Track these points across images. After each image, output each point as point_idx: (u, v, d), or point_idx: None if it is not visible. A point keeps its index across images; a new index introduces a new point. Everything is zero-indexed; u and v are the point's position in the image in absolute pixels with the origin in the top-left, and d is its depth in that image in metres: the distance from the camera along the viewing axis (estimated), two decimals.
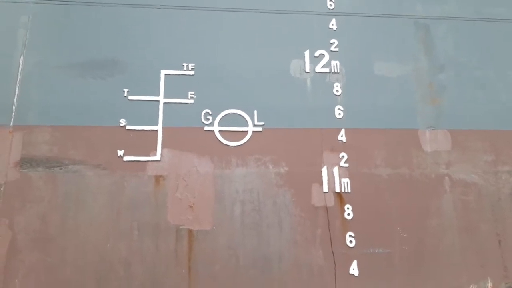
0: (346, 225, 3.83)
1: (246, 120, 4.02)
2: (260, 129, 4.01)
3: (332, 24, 4.43)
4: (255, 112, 4.04)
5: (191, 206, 3.72)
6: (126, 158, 3.77)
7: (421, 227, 3.91)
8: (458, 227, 3.95)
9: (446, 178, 4.09)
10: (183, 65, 4.09)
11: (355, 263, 3.73)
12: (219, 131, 3.96)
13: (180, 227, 3.65)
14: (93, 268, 3.47)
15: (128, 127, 3.86)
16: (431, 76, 4.40)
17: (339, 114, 4.17)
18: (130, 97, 3.94)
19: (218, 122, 3.98)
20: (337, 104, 4.20)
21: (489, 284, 3.84)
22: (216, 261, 3.60)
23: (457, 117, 4.29)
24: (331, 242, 3.77)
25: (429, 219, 3.94)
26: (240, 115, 4.03)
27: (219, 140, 3.93)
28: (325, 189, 3.92)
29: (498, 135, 4.26)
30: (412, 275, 3.76)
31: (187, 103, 3.99)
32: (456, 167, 4.13)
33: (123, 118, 3.87)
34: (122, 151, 3.77)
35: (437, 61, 4.46)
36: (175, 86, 4.01)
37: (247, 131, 3.99)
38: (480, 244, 3.93)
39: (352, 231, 3.82)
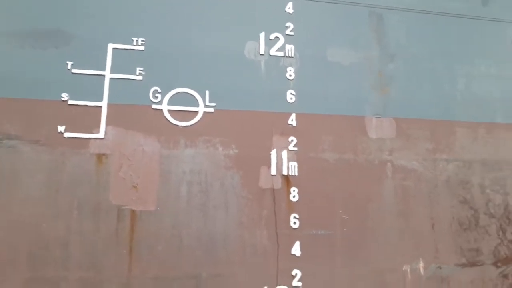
0: (291, 207, 3.92)
1: (197, 100, 3.94)
2: (211, 110, 3.96)
3: (289, 8, 4.39)
4: (207, 92, 3.97)
5: (135, 186, 3.64)
6: (67, 135, 3.60)
7: (362, 210, 4.06)
8: (397, 211, 4.14)
9: (389, 164, 4.25)
10: (133, 40, 3.93)
11: (297, 243, 3.83)
12: (168, 110, 3.86)
13: (123, 207, 3.57)
14: (27, 247, 3.34)
15: (70, 102, 3.67)
16: (381, 65, 4.51)
17: (291, 98, 4.19)
18: (74, 71, 3.74)
19: (168, 101, 3.88)
20: (289, 89, 4.21)
21: (421, 265, 4.07)
22: (159, 242, 3.57)
23: (403, 106, 4.44)
24: (275, 224, 3.83)
25: (370, 203, 4.10)
26: (191, 94, 3.94)
27: (167, 120, 3.84)
28: (273, 171, 3.97)
29: (438, 125, 4.47)
30: (352, 256, 3.93)
31: (135, 79, 3.85)
32: (399, 154, 4.31)
33: (65, 92, 3.67)
34: (63, 127, 3.60)
35: (388, 51, 4.56)
36: (123, 61, 3.85)
37: (197, 112, 3.92)
38: (415, 228, 4.15)
39: (296, 213, 3.90)
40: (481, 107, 4.67)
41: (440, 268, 4.10)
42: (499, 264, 4.25)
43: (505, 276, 4.23)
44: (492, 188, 4.45)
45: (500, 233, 4.34)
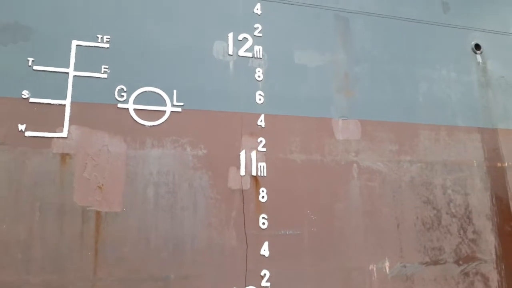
0: (260, 207, 3.92)
1: (164, 100, 3.90)
2: (179, 109, 3.93)
3: (257, 9, 4.44)
4: (175, 91, 3.94)
5: (100, 187, 3.55)
6: (28, 134, 3.47)
7: (329, 210, 4.12)
8: (363, 211, 4.22)
9: (355, 165, 4.34)
10: (97, 37, 3.85)
11: (266, 244, 3.84)
12: (134, 109, 3.80)
13: (87, 209, 3.47)
14: None
15: (31, 99, 3.55)
16: (347, 68, 4.61)
17: (260, 99, 4.22)
18: (35, 67, 3.62)
19: (134, 100, 3.81)
20: (258, 90, 4.24)
21: (387, 264, 4.16)
22: (126, 244, 3.49)
23: (368, 109, 4.55)
24: (244, 224, 3.83)
25: (337, 203, 4.17)
26: (158, 93, 3.90)
27: (133, 119, 3.78)
28: (242, 172, 3.97)
29: (402, 127, 4.61)
30: (320, 255, 3.97)
31: (100, 77, 3.77)
32: (364, 155, 4.40)
33: (26, 89, 3.55)
34: (24, 125, 3.47)
35: (354, 54, 4.68)
36: (88, 58, 3.76)
37: (165, 111, 3.88)
38: (381, 227, 4.24)
39: (265, 213, 3.91)
40: (442, 110, 4.85)
41: (405, 266, 4.20)
42: (460, 262, 4.40)
43: (466, 274, 4.38)
44: (453, 188, 4.61)
45: (461, 232, 4.50)
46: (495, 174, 4.79)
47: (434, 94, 4.86)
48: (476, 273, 4.42)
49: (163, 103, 3.89)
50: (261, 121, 4.16)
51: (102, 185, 3.56)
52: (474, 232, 4.53)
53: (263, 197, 3.96)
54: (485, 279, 4.43)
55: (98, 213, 3.49)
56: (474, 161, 4.77)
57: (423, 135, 4.68)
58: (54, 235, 3.35)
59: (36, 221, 3.34)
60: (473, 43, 5.22)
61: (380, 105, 4.61)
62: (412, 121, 4.69)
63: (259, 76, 4.26)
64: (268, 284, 3.74)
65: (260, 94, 4.22)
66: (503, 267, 4.49)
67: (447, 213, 4.50)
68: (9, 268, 3.20)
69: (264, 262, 3.79)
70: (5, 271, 3.19)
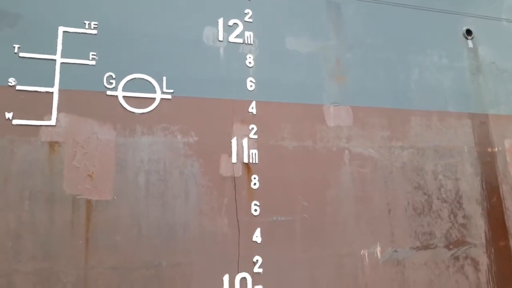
0: (252, 194, 3.92)
1: (154, 87, 3.86)
2: (169, 96, 3.89)
3: None
4: (164, 78, 3.90)
5: (90, 175, 3.52)
6: (15, 122, 3.42)
7: (321, 196, 4.13)
8: (354, 197, 4.24)
9: (346, 151, 4.35)
10: (85, 23, 3.78)
11: (258, 230, 3.85)
12: (124, 96, 3.75)
13: (78, 197, 3.45)
14: None
15: (18, 87, 3.49)
16: (338, 54, 4.59)
17: (251, 86, 4.19)
18: (22, 54, 3.55)
19: (123, 87, 3.76)
20: (249, 76, 4.20)
21: (378, 249, 4.20)
22: (117, 232, 3.48)
23: (360, 95, 4.54)
24: (236, 211, 3.83)
25: (329, 189, 4.18)
26: (147, 80, 3.85)
27: (123, 106, 3.73)
28: (234, 159, 3.96)
29: (394, 113, 4.61)
30: (311, 241, 3.99)
31: (88, 64, 3.71)
32: (356, 142, 4.41)
33: (12, 77, 3.48)
34: (11, 113, 3.42)
35: (345, 40, 4.65)
36: (75, 45, 3.69)
37: (154, 98, 3.84)
38: (372, 213, 4.27)
39: (257, 200, 3.92)
40: (434, 96, 4.86)
41: (396, 251, 4.24)
42: (451, 247, 4.45)
43: (456, 258, 4.44)
44: (444, 174, 4.64)
45: (452, 217, 4.55)
46: (486, 159, 4.83)
47: (425, 80, 4.87)
48: (466, 257, 4.47)
49: (153, 90, 3.85)
50: (252, 108, 4.14)
51: (92, 173, 3.53)
52: (464, 217, 4.58)
53: (255, 184, 3.96)
54: (475, 263, 4.49)
55: (88, 201, 3.46)
56: (465, 147, 4.80)
57: (415, 121, 4.70)
58: (44, 223, 3.33)
59: (26, 210, 3.31)
60: (464, 28, 5.21)
61: (372, 92, 4.61)
62: (404, 107, 4.70)
63: (250, 63, 4.23)
64: (260, 270, 3.76)
65: (251, 81, 4.19)
66: (493, 251, 4.55)
67: (438, 198, 4.54)
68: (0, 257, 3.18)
69: (256, 248, 3.81)
70: None
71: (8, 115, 3.41)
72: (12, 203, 3.30)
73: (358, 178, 4.31)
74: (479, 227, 4.59)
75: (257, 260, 3.77)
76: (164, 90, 3.87)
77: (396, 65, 4.80)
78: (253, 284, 3.71)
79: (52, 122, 3.51)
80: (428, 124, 4.74)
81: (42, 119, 3.49)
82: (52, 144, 3.48)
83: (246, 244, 3.79)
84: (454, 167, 4.70)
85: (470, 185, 4.69)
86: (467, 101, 4.97)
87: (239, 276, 3.68)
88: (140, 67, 3.83)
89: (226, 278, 3.65)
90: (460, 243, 4.48)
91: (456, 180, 4.67)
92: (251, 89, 4.17)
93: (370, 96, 4.57)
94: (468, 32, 5.22)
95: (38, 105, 3.49)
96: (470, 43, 5.18)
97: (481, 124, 4.92)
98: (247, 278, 3.71)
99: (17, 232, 3.26)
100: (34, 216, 3.32)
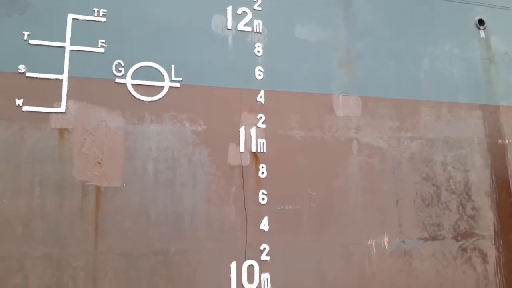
0: (260, 183, 3.93)
1: (163, 75, 3.86)
2: (177, 85, 3.89)
3: None
4: (173, 66, 3.90)
5: (99, 162, 3.54)
6: (25, 108, 3.45)
7: (328, 186, 4.13)
8: (362, 187, 4.23)
9: (355, 141, 4.33)
10: (94, 11, 3.79)
11: (266, 219, 3.86)
12: (132, 84, 3.76)
13: (87, 183, 3.48)
14: None
15: (28, 74, 3.51)
16: (348, 44, 4.55)
17: (259, 75, 4.17)
18: (31, 41, 3.57)
19: (132, 75, 3.77)
20: (257, 65, 4.19)
21: (385, 239, 4.19)
22: (126, 218, 3.52)
23: (369, 85, 4.51)
24: (244, 200, 3.84)
25: (337, 179, 4.17)
26: (156, 68, 3.86)
27: (132, 94, 3.75)
28: (242, 148, 3.96)
29: (403, 104, 4.57)
30: (319, 231, 4.00)
31: (97, 52, 3.72)
32: (364, 132, 4.38)
33: (22, 64, 3.51)
34: (21, 100, 3.45)
35: (355, 29, 4.60)
36: (84, 32, 3.70)
37: (163, 87, 3.84)
38: (380, 203, 4.25)
39: (265, 189, 3.92)
40: (444, 86, 4.80)
41: (404, 242, 4.23)
42: (459, 238, 4.42)
43: (464, 250, 4.41)
44: (453, 165, 4.60)
45: (460, 208, 4.52)
46: (496, 151, 4.77)
47: (436, 70, 4.81)
48: (474, 249, 4.45)
49: (161, 78, 3.85)
50: (260, 97, 4.12)
51: (101, 160, 3.55)
52: (473, 208, 4.55)
53: (262, 173, 3.96)
54: (483, 255, 4.47)
55: (97, 188, 3.50)
56: (475, 138, 4.75)
57: (424, 112, 4.65)
58: (54, 209, 3.37)
59: (36, 195, 3.36)
60: (476, 18, 5.13)
61: (381, 81, 4.57)
62: (414, 98, 4.65)
63: (258, 51, 4.21)
64: (267, 258, 3.77)
65: (259, 70, 4.17)
66: (501, 242, 4.52)
67: (446, 190, 4.51)
68: (10, 241, 3.23)
69: (263, 236, 3.82)
70: (7, 244, 3.22)
71: (19, 101, 3.44)
72: (23, 188, 3.34)
73: (366, 169, 4.29)
74: (487, 219, 4.55)
75: (264, 248, 3.79)
76: (173, 78, 3.87)
77: (406, 54, 4.74)
78: (260, 271, 3.73)
79: (62, 109, 3.53)
80: (438, 115, 4.70)
81: (52, 106, 3.52)
82: (61, 131, 3.51)
83: (253, 232, 3.80)
84: (464, 158, 4.65)
85: (480, 177, 4.65)
86: (478, 92, 4.90)
87: (246, 264, 3.71)
88: (149, 55, 3.83)
89: (233, 265, 3.67)
90: (468, 234, 4.45)
91: (466, 172, 4.63)
92: (259, 78, 4.16)
93: (379, 86, 4.53)
94: (481, 22, 5.14)
95: (48, 92, 3.52)
96: (482, 33, 5.10)
97: (492, 116, 4.87)
98: (254, 266, 3.73)
99: (28, 217, 3.31)
100: (45, 202, 3.36)
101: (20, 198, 3.32)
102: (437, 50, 4.86)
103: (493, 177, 4.68)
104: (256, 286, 3.70)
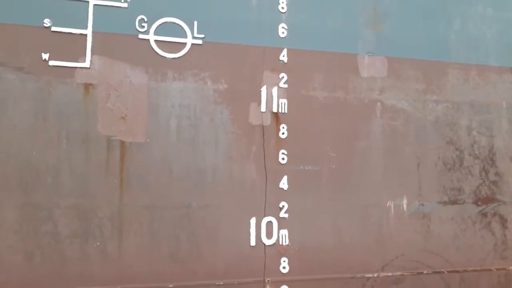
0: (280, 143, 3.95)
1: (185, 31, 3.83)
2: (199, 42, 3.85)
3: None
4: (195, 23, 3.84)
5: (123, 118, 3.61)
6: (51, 63, 3.50)
7: (349, 148, 4.11)
8: (384, 150, 4.20)
9: (378, 103, 4.25)
10: None
11: (285, 178, 3.90)
12: (155, 40, 3.75)
13: (112, 138, 3.56)
14: (18, 175, 3.36)
15: (53, 28, 3.53)
16: (376, 1, 4.37)
17: (283, 33, 4.08)
18: None
19: (154, 31, 3.75)
20: (281, 22, 4.09)
21: (404, 202, 4.20)
22: (150, 173, 3.61)
23: (396, 45, 4.36)
24: (264, 159, 3.88)
25: (358, 141, 4.15)
26: (178, 24, 3.81)
27: (154, 51, 3.74)
28: (263, 108, 3.95)
29: (430, 66, 4.43)
30: (337, 191, 4.03)
31: (120, 6, 3.69)
32: (389, 94, 4.29)
33: (47, 18, 3.52)
34: (47, 54, 3.49)
35: None
36: None
37: (185, 43, 3.82)
38: (401, 166, 4.23)
39: (285, 149, 3.94)
40: (475, 48, 4.62)
41: (423, 205, 4.23)
42: (479, 203, 4.39)
43: (484, 215, 4.39)
44: (478, 130, 4.50)
45: (483, 174, 4.46)
46: None
47: (467, 31, 4.60)
48: (495, 214, 4.43)
49: (184, 35, 3.82)
50: (283, 56, 4.06)
51: (126, 115, 3.62)
52: (496, 174, 4.49)
53: (283, 133, 3.97)
54: (503, 220, 4.45)
55: (122, 143, 3.58)
56: (504, 103, 4.60)
57: (452, 74, 4.50)
58: (81, 162, 3.48)
59: (64, 149, 3.46)
60: None
61: (409, 42, 4.41)
62: (442, 59, 4.49)
63: (282, 8, 4.10)
64: (286, 215, 3.86)
65: (283, 27, 4.08)
66: None
67: (469, 155, 4.44)
68: (41, 191, 3.38)
69: (282, 194, 3.88)
70: (38, 194, 3.38)
71: (45, 56, 3.48)
72: (51, 141, 3.45)
73: (388, 131, 4.24)
74: (510, 185, 4.49)
75: (283, 206, 3.86)
76: (195, 35, 3.83)
77: (436, 14, 4.54)
78: (279, 228, 3.83)
79: (87, 64, 3.57)
80: (466, 78, 4.54)
81: (77, 61, 3.55)
82: (86, 86, 3.56)
83: (273, 190, 3.87)
84: (490, 123, 4.54)
85: (506, 143, 4.54)
86: (511, 55, 4.69)
87: (265, 220, 3.80)
88: (172, 10, 3.78)
89: (253, 221, 3.77)
90: (489, 200, 4.42)
91: (491, 137, 4.53)
92: (283, 36, 4.07)
93: (407, 47, 4.39)
94: None
95: (73, 47, 3.54)
96: None
97: None
98: (273, 222, 3.82)
99: (57, 169, 3.43)
100: (71, 155, 3.47)
101: (49, 151, 3.43)
102: (469, 10, 4.63)
103: None
104: (274, 241, 3.81)
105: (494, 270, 4.34)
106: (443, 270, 4.20)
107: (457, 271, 4.24)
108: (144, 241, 3.54)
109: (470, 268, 4.28)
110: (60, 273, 3.36)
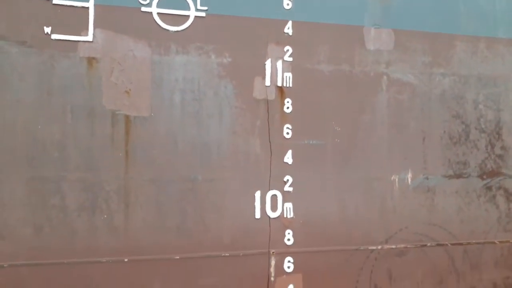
0: (285, 117, 3.94)
1: (188, 4, 3.76)
2: (203, 14, 3.79)
3: None
4: None
5: (127, 92, 3.60)
6: (54, 36, 3.46)
7: (355, 122, 4.10)
8: (389, 123, 4.17)
9: (384, 77, 4.21)
10: None
11: (290, 152, 3.91)
12: (158, 13, 3.69)
13: (116, 112, 3.57)
14: (24, 149, 3.38)
15: (55, 1, 3.47)
16: None
17: (288, 4, 4.01)
18: None
19: (157, 3, 3.69)
20: None
21: (409, 175, 4.21)
22: (155, 147, 3.63)
23: (403, 17, 4.28)
24: (269, 133, 3.88)
25: (363, 115, 4.12)
26: None
27: (157, 24, 3.69)
28: (267, 82, 3.92)
29: (438, 38, 4.35)
30: (342, 165, 4.04)
31: None
32: (395, 67, 4.24)
33: None
34: (50, 28, 3.45)
35: None
36: None
37: (188, 16, 3.76)
38: (406, 140, 4.21)
39: (289, 123, 3.93)
40: (484, 20, 4.51)
41: (427, 178, 4.24)
42: (484, 177, 4.39)
43: (489, 188, 4.40)
44: (485, 103, 4.46)
45: (489, 147, 4.44)
46: None
47: (476, 2, 4.49)
48: (500, 188, 4.43)
49: (187, 7, 3.76)
50: (288, 28, 3.99)
51: (130, 90, 3.60)
52: (502, 148, 4.47)
53: (288, 107, 3.95)
54: (508, 194, 4.45)
55: (127, 117, 3.58)
56: None
57: (460, 47, 4.42)
58: (86, 136, 3.50)
59: (69, 123, 3.47)
60: None
61: (416, 13, 4.32)
62: (449, 32, 4.40)
63: None
64: (290, 189, 3.88)
65: None
66: None
67: (476, 128, 4.41)
68: (48, 165, 3.41)
69: (287, 168, 3.90)
70: (45, 167, 3.41)
71: (47, 29, 3.45)
72: (56, 115, 3.45)
73: (394, 105, 4.21)
74: None
75: (287, 180, 3.88)
76: (198, 7, 3.77)
77: None
78: (283, 201, 3.86)
79: (89, 37, 3.53)
80: (474, 50, 4.46)
81: (80, 35, 3.52)
82: (90, 60, 3.54)
83: (277, 164, 3.88)
84: (497, 96, 4.49)
85: None
86: None
87: (270, 193, 3.83)
88: None
89: (258, 194, 3.80)
90: (494, 173, 4.41)
91: (498, 111, 4.49)
92: (287, 7, 4.00)
93: (414, 18, 4.30)
94: None
95: (75, 20, 3.50)
96: None
97: None
98: (278, 195, 3.85)
99: (62, 143, 3.45)
100: (77, 129, 3.48)
101: (54, 124, 3.44)
102: None
103: None
104: (279, 214, 3.85)
105: (498, 242, 4.38)
106: (446, 242, 4.24)
107: (461, 244, 4.28)
108: (151, 214, 3.59)
109: (474, 241, 4.32)
110: (68, 245, 3.42)
